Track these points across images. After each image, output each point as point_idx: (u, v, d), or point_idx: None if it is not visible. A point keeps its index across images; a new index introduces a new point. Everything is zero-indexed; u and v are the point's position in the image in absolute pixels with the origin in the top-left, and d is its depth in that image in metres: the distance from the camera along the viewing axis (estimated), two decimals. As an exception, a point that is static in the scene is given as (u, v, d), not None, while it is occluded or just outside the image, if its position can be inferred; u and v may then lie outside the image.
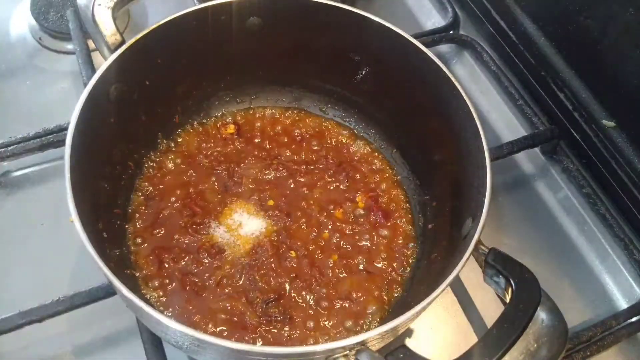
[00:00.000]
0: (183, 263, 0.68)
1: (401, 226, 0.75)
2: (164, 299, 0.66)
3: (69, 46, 0.93)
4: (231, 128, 0.81)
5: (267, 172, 0.77)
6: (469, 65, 1.00)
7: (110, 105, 0.65)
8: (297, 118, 0.84)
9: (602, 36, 0.80)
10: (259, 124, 0.82)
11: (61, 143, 0.59)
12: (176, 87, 0.76)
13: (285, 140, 0.81)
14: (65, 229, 0.53)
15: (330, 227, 0.73)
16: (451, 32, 1.00)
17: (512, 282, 0.53)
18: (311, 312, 0.67)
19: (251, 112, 0.84)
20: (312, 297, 0.68)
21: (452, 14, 1.01)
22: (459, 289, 0.75)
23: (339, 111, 0.84)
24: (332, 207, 0.75)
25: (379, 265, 0.71)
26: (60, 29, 0.94)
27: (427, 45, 0.69)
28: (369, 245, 0.73)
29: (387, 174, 0.80)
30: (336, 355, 0.49)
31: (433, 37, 0.97)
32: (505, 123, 0.94)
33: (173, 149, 0.78)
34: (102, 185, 0.66)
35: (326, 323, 0.66)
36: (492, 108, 0.95)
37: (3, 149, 0.77)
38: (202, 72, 0.77)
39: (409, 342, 0.70)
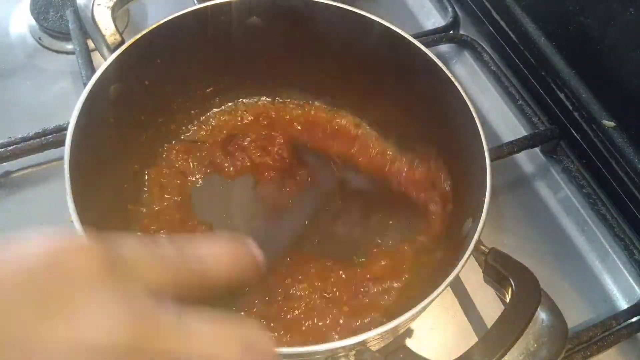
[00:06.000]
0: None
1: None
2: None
3: (69, 46, 0.93)
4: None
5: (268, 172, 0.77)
6: (469, 65, 1.00)
7: (110, 105, 0.65)
8: (297, 118, 0.84)
9: (602, 36, 0.80)
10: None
11: (61, 143, 0.59)
12: (176, 88, 0.76)
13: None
14: (65, 229, 0.53)
15: (330, 227, 0.73)
16: (451, 32, 1.00)
17: (512, 282, 0.53)
18: (311, 312, 0.67)
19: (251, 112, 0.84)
20: (312, 297, 0.68)
21: (452, 13, 1.01)
22: (459, 289, 0.75)
23: (338, 111, 0.84)
24: (332, 207, 0.75)
25: (379, 265, 0.71)
26: (60, 29, 0.94)
27: (427, 45, 0.69)
28: (369, 245, 0.73)
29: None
30: (336, 356, 0.49)
31: (433, 37, 0.97)
32: (505, 123, 0.93)
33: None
34: (102, 185, 0.66)
35: (326, 323, 0.66)
36: (492, 108, 0.95)
37: (3, 149, 0.76)
38: (201, 72, 0.77)
39: (409, 342, 0.70)
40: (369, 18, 0.70)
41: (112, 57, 0.63)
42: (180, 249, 0.35)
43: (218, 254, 0.38)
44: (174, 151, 0.77)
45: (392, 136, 0.81)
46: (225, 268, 0.38)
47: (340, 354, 0.49)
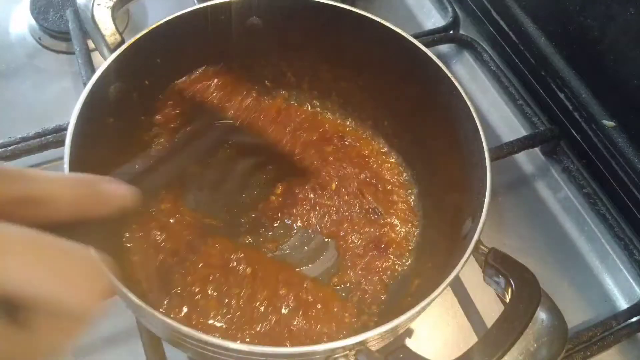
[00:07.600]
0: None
1: (401, 226, 0.75)
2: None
3: (69, 46, 0.93)
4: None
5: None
6: (469, 65, 1.00)
7: (110, 105, 0.65)
8: (297, 118, 0.84)
9: (602, 36, 0.80)
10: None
11: (61, 143, 0.59)
12: (176, 88, 0.76)
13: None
14: (65, 229, 0.53)
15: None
16: (451, 32, 1.00)
17: (512, 282, 0.53)
18: (311, 312, 0.67)
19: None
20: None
21: (452, 13, 1.01)
22: (459, 289, 0.75)
23: (337, 111, 0.84)
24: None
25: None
26: (60, 29, 0.93)
27: (427, 45, 0.69)
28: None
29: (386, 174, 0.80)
30: (336, 355, 0.49)
31: (433, 37, 0.97)
32: (505, 123, 0.93)
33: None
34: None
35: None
36: (492, 108, 0.95)
37: (3, 149, 0.76)
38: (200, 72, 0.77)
39: (409, 342, 0.70)
40: (369, 18, 0.70)
41: (112, 57, 0.63)
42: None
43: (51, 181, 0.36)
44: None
45: (391, 138, 0.81)
46: (60, 192, 0.36)
47: (340, 354, 0.49)
